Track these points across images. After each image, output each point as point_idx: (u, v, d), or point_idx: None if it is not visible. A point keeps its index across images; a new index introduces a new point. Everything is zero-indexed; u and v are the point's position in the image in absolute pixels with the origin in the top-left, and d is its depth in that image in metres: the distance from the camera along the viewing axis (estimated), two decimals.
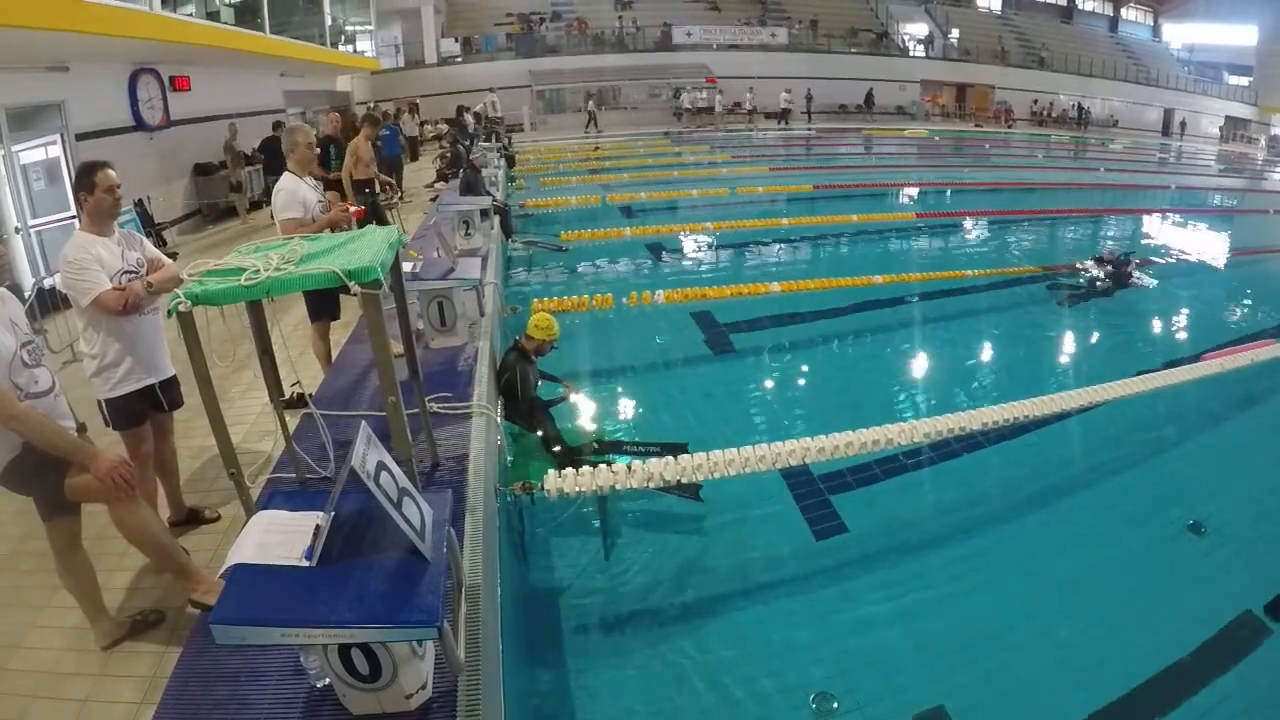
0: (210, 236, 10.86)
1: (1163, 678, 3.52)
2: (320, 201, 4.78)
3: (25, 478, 2.58)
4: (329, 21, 17.47)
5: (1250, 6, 31.26)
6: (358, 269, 2.42)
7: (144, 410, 3.26)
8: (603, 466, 4.10)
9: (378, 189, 8.46)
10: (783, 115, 26.79)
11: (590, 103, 25.62)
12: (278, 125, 11.82)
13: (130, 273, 3.14)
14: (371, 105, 17.93)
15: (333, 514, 1.95)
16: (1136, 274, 9.27)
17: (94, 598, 2.80)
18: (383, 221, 8.38)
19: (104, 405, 3.16)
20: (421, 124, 19.90)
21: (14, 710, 2.55)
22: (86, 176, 3.06)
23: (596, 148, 20.58)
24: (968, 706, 3.37)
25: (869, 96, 29.83)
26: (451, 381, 4.40)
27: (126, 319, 3.09)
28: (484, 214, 8.16)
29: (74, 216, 3.30)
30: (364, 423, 2.04)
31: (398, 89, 23.74)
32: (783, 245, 11.49)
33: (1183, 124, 30.74)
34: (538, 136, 23.59)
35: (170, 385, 3.38)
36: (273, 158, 11.05)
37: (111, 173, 3.09)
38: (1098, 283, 9.02)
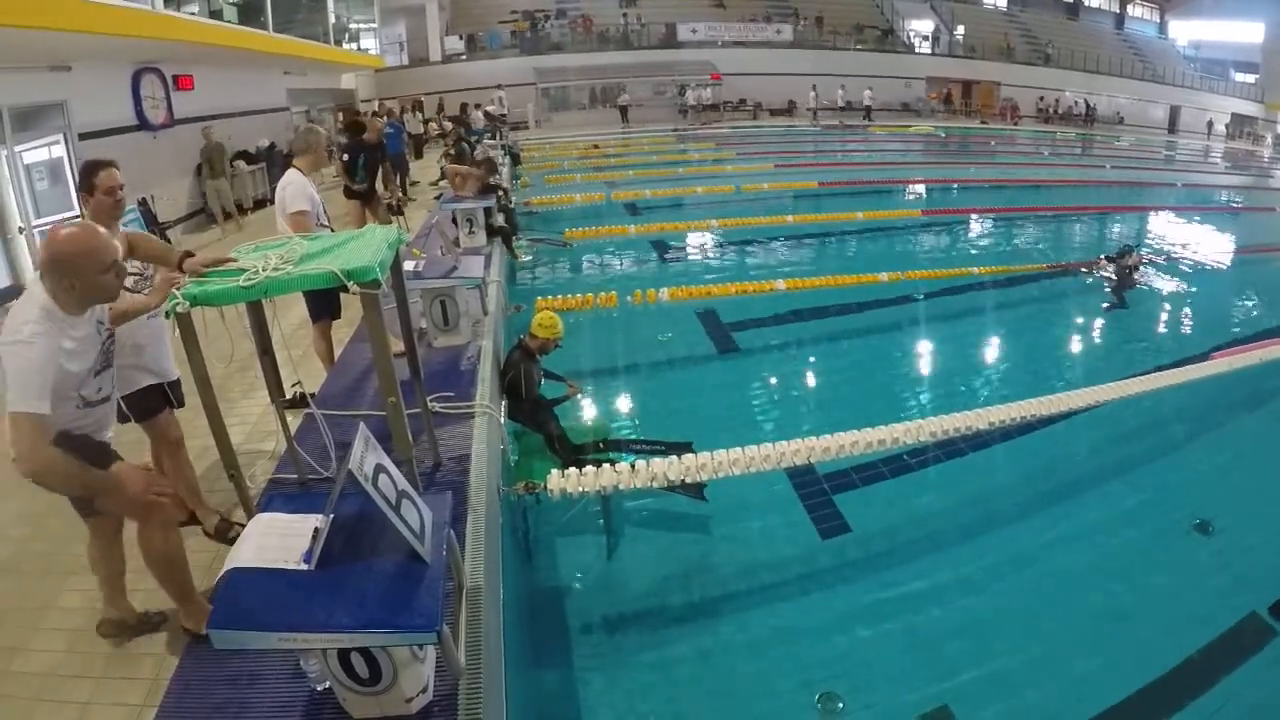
0: (214, 236, 10.86)
1: (1168, 678, 3.50)
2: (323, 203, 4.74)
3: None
4: (332, 19, 17.46)
5: (1257, 4, 30.93)
6: (356, 269, 2.41)
7: (159, 401, 3.25)
8: (607, 466, 4.09)
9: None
10: (866, 112, 26.59)
11: (624, 97, 25.98)
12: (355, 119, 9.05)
13: (132, 275, 3.11)
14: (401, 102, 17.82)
15: (332, 516, 1.94)
16: (1140, 270, 9.20)
17: (118, 586, 2.78)
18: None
19: (120, 403, 3.14)
20: (426, 121, 19.83)
21: (17, 713, 2.54)
22: (88, 177, 3.01)
23: (595, 146, 20.52)
24: (972, 707, 3.36)
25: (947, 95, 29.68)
26: (454, 381, 4.39)
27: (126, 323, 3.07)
28: (488, 212, 8.14)
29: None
30: (362, 424, 2.02)
31: (402, 87, 23.70)
32: (788, 242, 11.44)
33: (1209, 124, 30.23)
34: (543, 134, 23.53)
35: (175, 386, 3.37)
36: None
37: (115, 172, 3.00)
38: (1105, 282, 8.97)
